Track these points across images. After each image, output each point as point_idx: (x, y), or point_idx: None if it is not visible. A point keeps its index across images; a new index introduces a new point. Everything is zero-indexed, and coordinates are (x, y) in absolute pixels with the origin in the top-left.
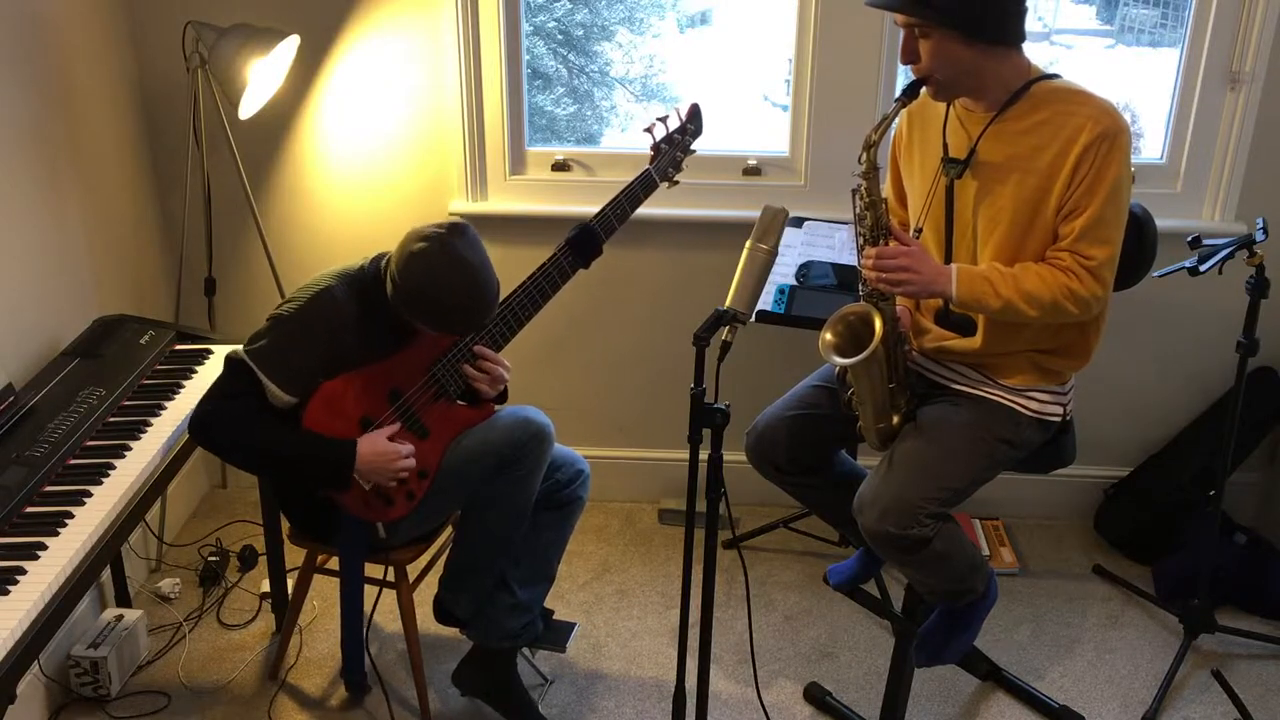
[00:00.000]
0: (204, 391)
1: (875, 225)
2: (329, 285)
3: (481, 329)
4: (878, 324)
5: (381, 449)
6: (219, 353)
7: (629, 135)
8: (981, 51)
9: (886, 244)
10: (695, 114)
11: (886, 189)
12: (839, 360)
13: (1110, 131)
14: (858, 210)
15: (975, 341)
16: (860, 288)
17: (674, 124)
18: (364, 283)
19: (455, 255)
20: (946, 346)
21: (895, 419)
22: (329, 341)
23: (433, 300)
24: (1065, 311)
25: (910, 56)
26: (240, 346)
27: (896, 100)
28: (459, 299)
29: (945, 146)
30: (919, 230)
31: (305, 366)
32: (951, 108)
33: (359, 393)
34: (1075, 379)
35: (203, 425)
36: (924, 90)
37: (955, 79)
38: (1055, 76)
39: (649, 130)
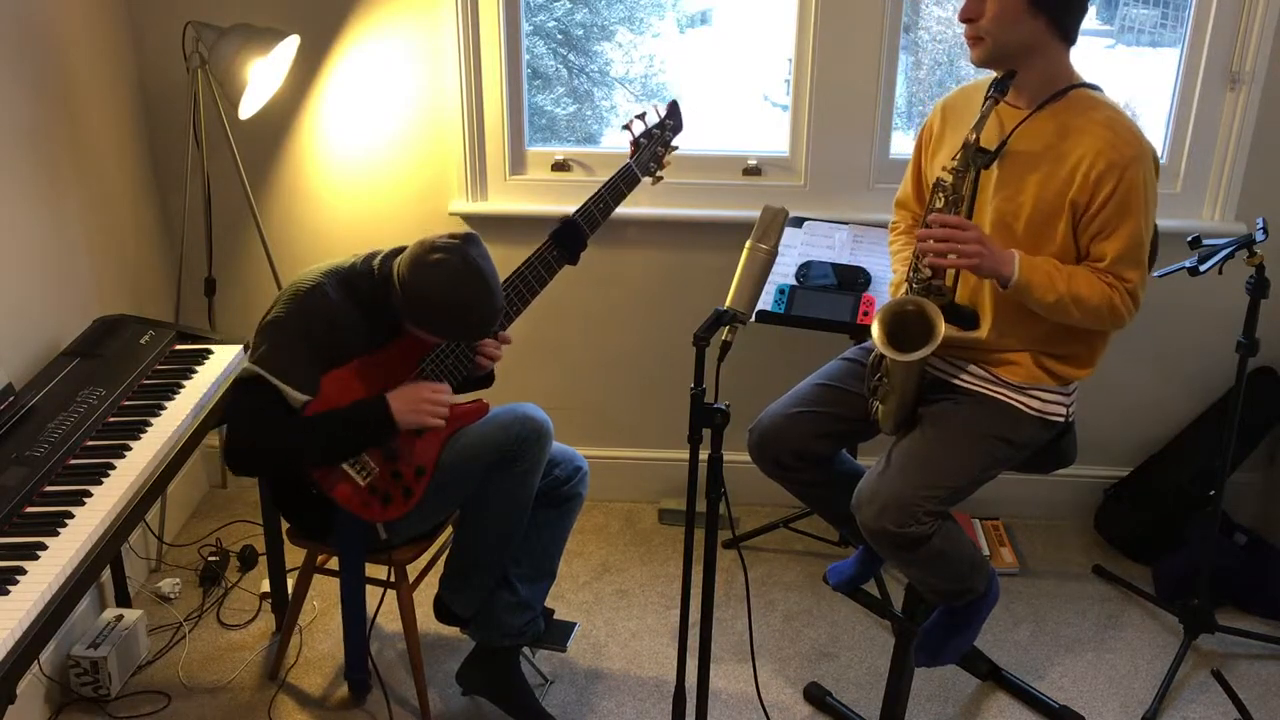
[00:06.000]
0: (225, 423)
1: (956, 189)
2: (319, 282)
3: (488, 336)
4: (940, 320)
5: (406, 391)
6: (219, 353)
7: (629, 135)
8: (1040, 29)
9: (958, 213)
10: (674, 110)
11: (906, 182)
12: (898, 356)
13: (1127, 159)
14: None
15: (981, 333)
16: (910, 275)
17: (652, 120)
18: (355, 281)
19: (475, 267)
20: (951, 337)
21: (916, 409)
22: (326, 337)
23: (452, 312)
24: (1103, 321)
25: (972, 12)
26: (244, 364)
27: (988, 98)
28: (479, 311)
29: (977, 135)
30: None
31: (312, 364)
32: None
33: (350, 388)
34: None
35: (244, 454)
36: (965, 87)
37: (1006, 46)
38: (1097, 88)
39: (627, 127)
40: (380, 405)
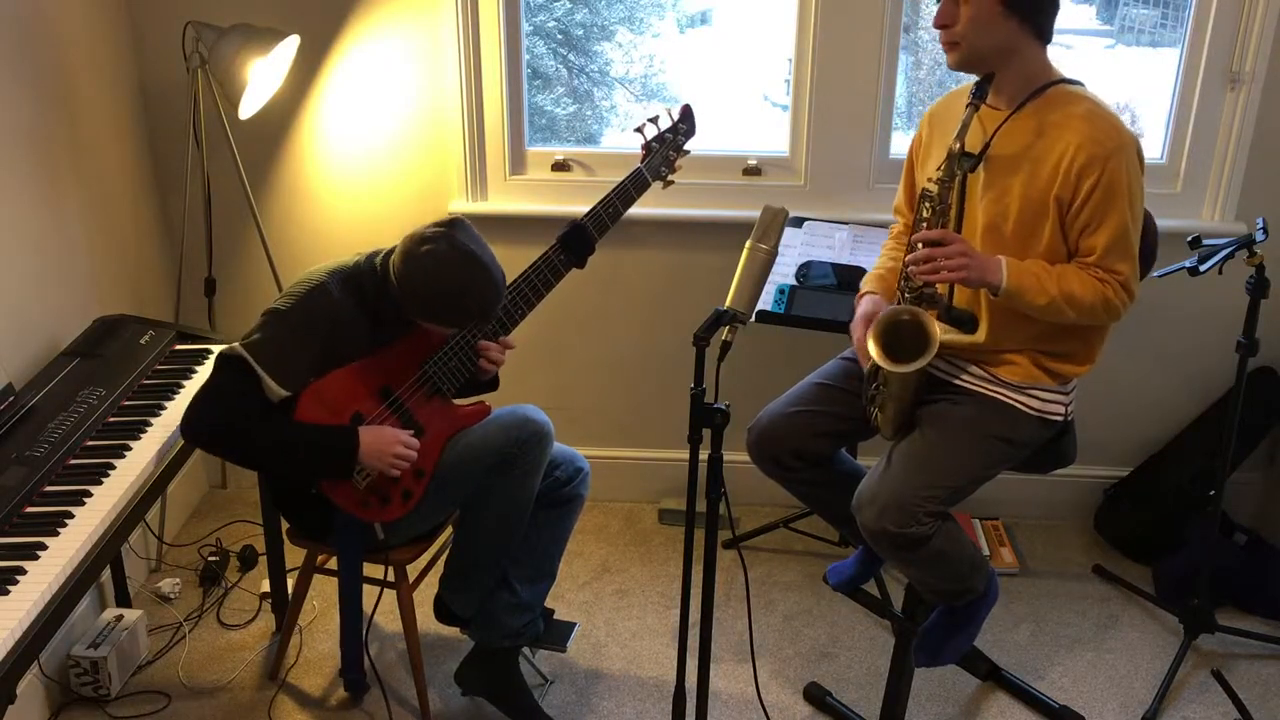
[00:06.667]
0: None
1: (942, 199)
2: (324, 281)
3: (494, 318)
4: (935, 329)
5: (381, 434)
6: (219, 353)
7: (629, 135)
8: (1015, 30)
9: (944, 227)
10: (687, 114)
11: (900, 191)
12: (895, 368)
13: (1108, 151)
14: (930, 192)
15: (979, 336)
16: (901, 284)
17: (665, 124)
18: (359, 280)
19: (464, 250)
20: (949, 340)
21: (915, 411)
22: (327, 336)
23: (448, 298)
24: (1098, 316)
25: (946, 18)
26: (235, 344)
27: (968, 105)
28: (474, 293)
29: (961, 142)
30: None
31: (302, 361)
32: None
33: (350, 389)
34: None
35: (201, 427)
36: (949, 94)
37: (982, 50)
38: (1077, 83)
39: (639, 130)
40: (350, 438)
